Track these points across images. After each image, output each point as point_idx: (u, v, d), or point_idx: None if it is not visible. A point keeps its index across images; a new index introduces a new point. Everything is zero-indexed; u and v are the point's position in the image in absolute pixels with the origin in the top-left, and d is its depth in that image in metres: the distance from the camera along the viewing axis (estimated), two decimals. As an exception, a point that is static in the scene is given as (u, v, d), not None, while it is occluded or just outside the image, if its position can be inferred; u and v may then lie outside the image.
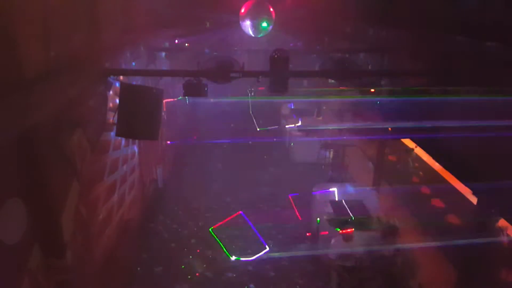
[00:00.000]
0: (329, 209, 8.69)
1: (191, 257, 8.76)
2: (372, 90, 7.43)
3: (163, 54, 10.72)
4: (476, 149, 5.51)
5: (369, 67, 9.10)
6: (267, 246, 8.64)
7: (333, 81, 9.37)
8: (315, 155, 13.04)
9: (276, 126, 14.77)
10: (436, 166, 7.49)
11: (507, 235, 5.60)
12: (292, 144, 14.26)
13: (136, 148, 8.85)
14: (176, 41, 11.59)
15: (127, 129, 6.32)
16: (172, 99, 11.20)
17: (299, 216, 9.71)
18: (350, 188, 9.56)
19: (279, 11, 9.64)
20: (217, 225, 9.30)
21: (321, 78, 8.57)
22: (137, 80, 8.24)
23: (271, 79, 6.84)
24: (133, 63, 8.49)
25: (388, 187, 9.73)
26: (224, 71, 6.87)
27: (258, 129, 12.96)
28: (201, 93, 6.83)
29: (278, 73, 6.68)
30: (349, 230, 7.04)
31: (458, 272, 6.28)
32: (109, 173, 7.04)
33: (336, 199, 8.82)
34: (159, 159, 11.30)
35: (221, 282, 8.11)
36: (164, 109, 8.94)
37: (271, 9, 9.28)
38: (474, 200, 5.93)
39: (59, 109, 4.92)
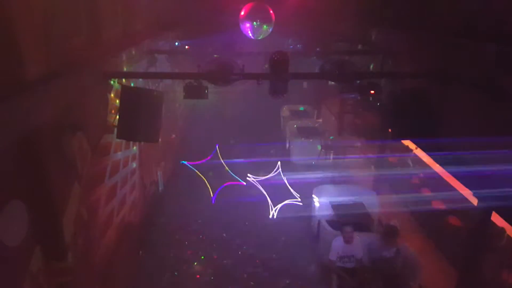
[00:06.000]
0: (330, 211, 8.71)
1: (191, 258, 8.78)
2: (372, 91, 7.44)
3: (164, 56, 10.75)
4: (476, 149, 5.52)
5: (370, 69, 9.13)
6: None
7: (333, 82, 9.41)
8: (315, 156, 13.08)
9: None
10: (436, 167, 7.50)
11: (507, 235, 5.61)
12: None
13: (137, 150, 8.87)
14: (177, 43, 11.62)
15: (128, 132, 6.35)
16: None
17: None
18: (351, 190, 9.59)
19: (279, 13, 9.66)
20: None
21: (321, 80, 8.59)
22: (137, 83, 8.27)
23: (271, 81, 6.87)
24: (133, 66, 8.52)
25: (388, 188, 9.74)
26: (224, 73, 6.89)
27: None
28: (201, 95, 6.86)
29: (278, 75, 6.70)
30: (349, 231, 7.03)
31: (458, 272, 6.29)
32: (110, 175, 7.05)
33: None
34: (160, 161, 11.31)
35: (220, 283, 8.13)
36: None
37: (271, 11, 9.30)
38: (474, 201, 5.94)
39: (60, 111, 4.94)
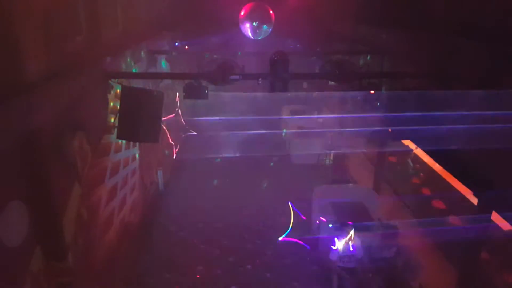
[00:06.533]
0: (330, 211, 8.69)
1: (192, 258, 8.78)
2: (372, 92, 7.44)
3: (164, 56, 10.75)
4: (476, 150, 5.52)
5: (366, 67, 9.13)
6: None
7: (333, 82, 9.40)
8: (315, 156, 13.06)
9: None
10: (436, 167, 7.50)
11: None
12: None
13: (137, 151, 8.87)
14: (176, 43, 11.62)
15: (128, 132, 6.35)
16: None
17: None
18: (351, 189, 9.58)
19: (279, 13, 9.66)
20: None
21: (321, 80, 8.59)
22: (138, 83, 8.28)
23: (271, 81, 6.88)
24: (134, 66, 8.54)
25: (388, 188, 9.73)
26: (224, 73, 6.90)
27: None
28: (201, 95, 6.86)
29: (278, 75, 6.71)
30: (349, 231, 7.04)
31: (458, 272, 6.28)
32: (110, 175, 7.05)
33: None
34: (160, 162, 11.31)
35: (220, 283, 8.13)
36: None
37: (271, 12, 9.31)
38: (474, 200, 5.94)
39: (60, 112, 4.94)
